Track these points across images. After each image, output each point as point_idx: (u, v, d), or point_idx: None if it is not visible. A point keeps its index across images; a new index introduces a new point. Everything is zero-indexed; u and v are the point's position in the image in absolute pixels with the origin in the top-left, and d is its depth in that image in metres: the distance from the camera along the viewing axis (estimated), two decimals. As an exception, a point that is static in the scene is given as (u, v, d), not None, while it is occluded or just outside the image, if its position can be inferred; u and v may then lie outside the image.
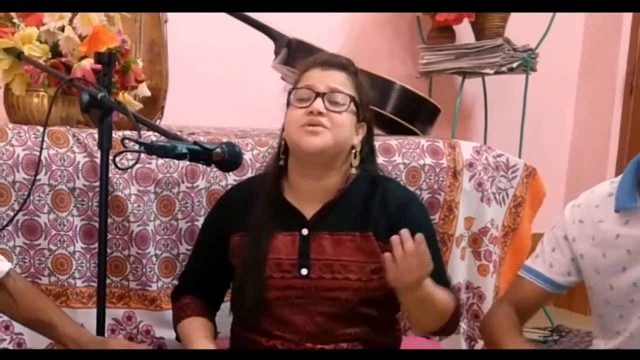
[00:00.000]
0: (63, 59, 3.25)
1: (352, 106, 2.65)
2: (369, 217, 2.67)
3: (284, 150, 2.73)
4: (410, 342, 3.03)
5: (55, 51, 3.27)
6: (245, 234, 2.70)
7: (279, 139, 2.79)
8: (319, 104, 2.58)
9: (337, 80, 2.65)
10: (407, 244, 2.38)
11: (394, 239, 2.40)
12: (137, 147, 2.66)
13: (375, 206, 2.69)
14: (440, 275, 2.69)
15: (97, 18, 3.27)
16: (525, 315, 2.73)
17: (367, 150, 2.78)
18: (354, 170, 2.71)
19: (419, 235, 2.40)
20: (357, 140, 2.70)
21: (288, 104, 2.70)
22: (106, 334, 2.86)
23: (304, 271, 2.62)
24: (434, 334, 2.87)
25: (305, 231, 2.66)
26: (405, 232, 2.39)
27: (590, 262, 2.56)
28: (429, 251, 2.47)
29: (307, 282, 2.62)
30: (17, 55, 3.20)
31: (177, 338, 2.84)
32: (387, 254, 2.42)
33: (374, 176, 2.80)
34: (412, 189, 3.20)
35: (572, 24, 5.64)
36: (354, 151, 2.70)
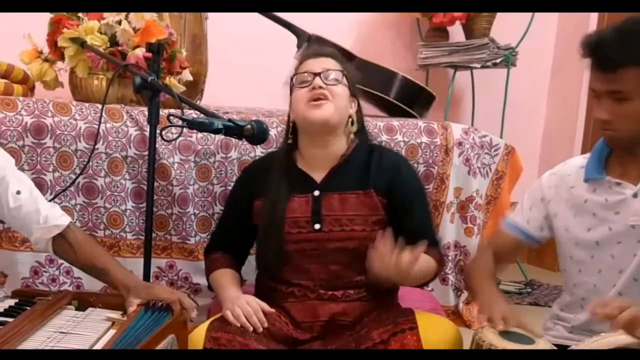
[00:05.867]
0: (119, 48, 3.26)
1: (345, 80, 2.66)
2: (369, 177, 2.67)
3: (292, 131, 2.73)
4: (406, 291, 2.98)
5: (113, 41, 3.28)
6: (266, 198, 2.68)
7: (287, 122, 2.78)
8: (318, 81, 2.61)
9: (328, 63, 2.67)
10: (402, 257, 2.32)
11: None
12: (180, 122, 2.66)
13: (373, 168, 2.68)
14: (427, 231, 2.68)
15: (148, 14, 3.26)
16: (502, 260, 2.71)
17: (360, 120, 2.77)
18: (352, 136, 2.72)
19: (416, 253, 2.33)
20: (352, 111, 2.71)
21: (291, 91, 2.70)
22: (151, 280, 2.86)
23: (317, 226, 2.61)
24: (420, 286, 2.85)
25: (316, 192, 2.65)
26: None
27: (562, 221, 2.54)
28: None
29: (320, 235, 2.60)
30: (81, 44, 3.22)
31: (209, 287, 2.82)
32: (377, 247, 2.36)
33: (370, 144, 2.81)
34: (410, 162, 3.14)
35: (547, 27, 5.59)
36: (350, 119, 2.69)
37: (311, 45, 3.91)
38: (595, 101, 2.36)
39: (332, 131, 2.64)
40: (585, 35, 2.33)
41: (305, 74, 2.65)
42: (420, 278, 2.60)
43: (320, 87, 2.59)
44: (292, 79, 2.70)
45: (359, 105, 2.77)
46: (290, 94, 2.70)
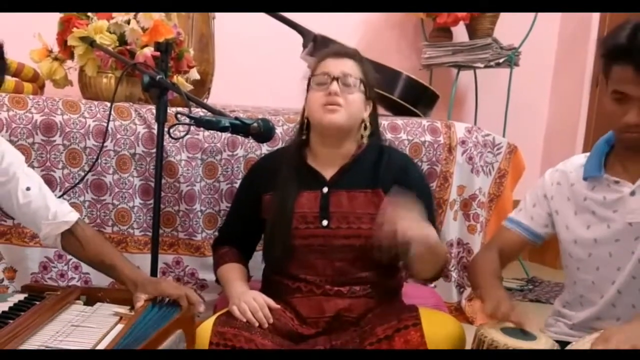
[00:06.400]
0: (128, 47, 3.27)
1: (361, 86, 2.64)
2: (378, 177, 2.66)
3: (306, 126, 2.72)
4: (410, 288, 2.99)
5: (122, 40, 3.28)
6: (275, 193, 2.67)
7: (300, 117, 2.77)
8: (335, 86, 2.58)
9: (348, 66, 2.65)
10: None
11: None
12: (187, 120, 2.66)
13: (382, 168, 2.67)
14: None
15: (157, 14, 3.27)
16: (506, 258, 2.70)
17: (374, 123, 2.76)
18: (365, 140, 2.70)
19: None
20: (366, 115, 2.69)
21: (308, 88, 2.68)
22: (158, 275, 2.86)
23: (325, 222, 2.60)
24: (428, 280, 2.83)
25: (325, 189, 2.64)
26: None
27: (563, 218, 2.54)
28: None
29: (327, 232, 2.60)
30: (90, 43, 3.23)
31: (217, 281, 2.82)
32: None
33: (380, 145, 2.79)
34: (417, 163, 3.15)
35: (549, 28, 5.59)
36: (364, 123, 2.69)
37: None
38: (613, 104, 2.26)
39: (343, 134, 2.64)
40: (612, 37, 2.24)
41: (324, 76, 2.62)
42: (438, 259, 2.52)
43: (336, 93, 2.57)
44: (309, 78, 2.69)
45: (374, 108, 2.76)
46: (307, 91, 2.69)
